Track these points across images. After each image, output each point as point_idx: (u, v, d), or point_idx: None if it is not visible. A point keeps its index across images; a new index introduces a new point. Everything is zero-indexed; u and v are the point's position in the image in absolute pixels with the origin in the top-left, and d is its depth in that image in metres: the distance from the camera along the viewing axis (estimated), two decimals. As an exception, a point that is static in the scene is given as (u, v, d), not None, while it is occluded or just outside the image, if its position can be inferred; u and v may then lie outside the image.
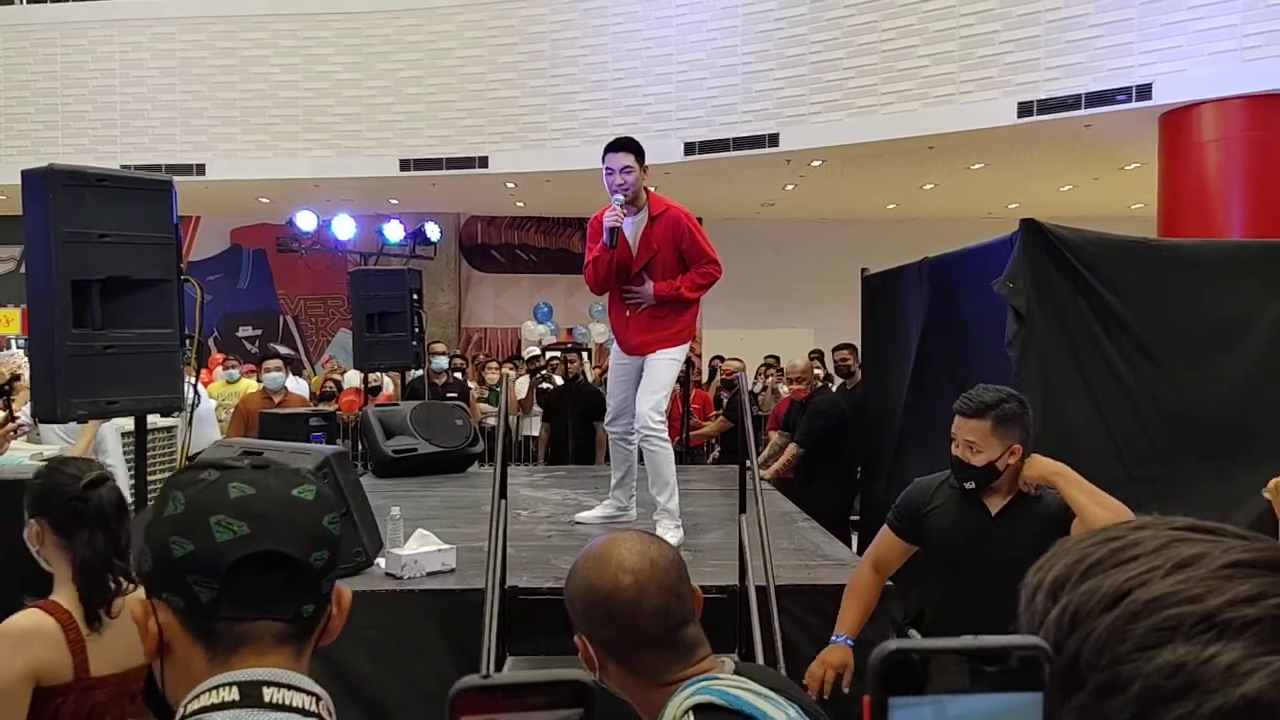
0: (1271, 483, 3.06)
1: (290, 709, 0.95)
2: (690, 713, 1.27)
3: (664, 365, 4.32)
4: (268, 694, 0.94)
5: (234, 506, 0.97)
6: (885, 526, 2.98)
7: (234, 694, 0.94)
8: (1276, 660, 0.48)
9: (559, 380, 9.94)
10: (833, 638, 2.85)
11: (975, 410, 2.71)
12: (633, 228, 4.28)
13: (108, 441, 5.29)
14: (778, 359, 11.05)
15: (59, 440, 5.17)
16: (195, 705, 0.94)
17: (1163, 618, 0.51)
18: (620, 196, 4.16)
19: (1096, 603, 0.53)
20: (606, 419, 4.71)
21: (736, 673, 1.38)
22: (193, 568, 0.95)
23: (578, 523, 4.68)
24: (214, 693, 0.94)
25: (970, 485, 2.76)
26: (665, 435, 4.31)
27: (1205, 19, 8.02)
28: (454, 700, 0.59)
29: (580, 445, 8.74)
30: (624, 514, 4.66)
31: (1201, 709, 0.48)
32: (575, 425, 8.72)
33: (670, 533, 4.13)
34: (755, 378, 10.77)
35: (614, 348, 4.63)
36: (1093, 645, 0.52)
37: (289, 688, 0.96)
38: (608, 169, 4.19)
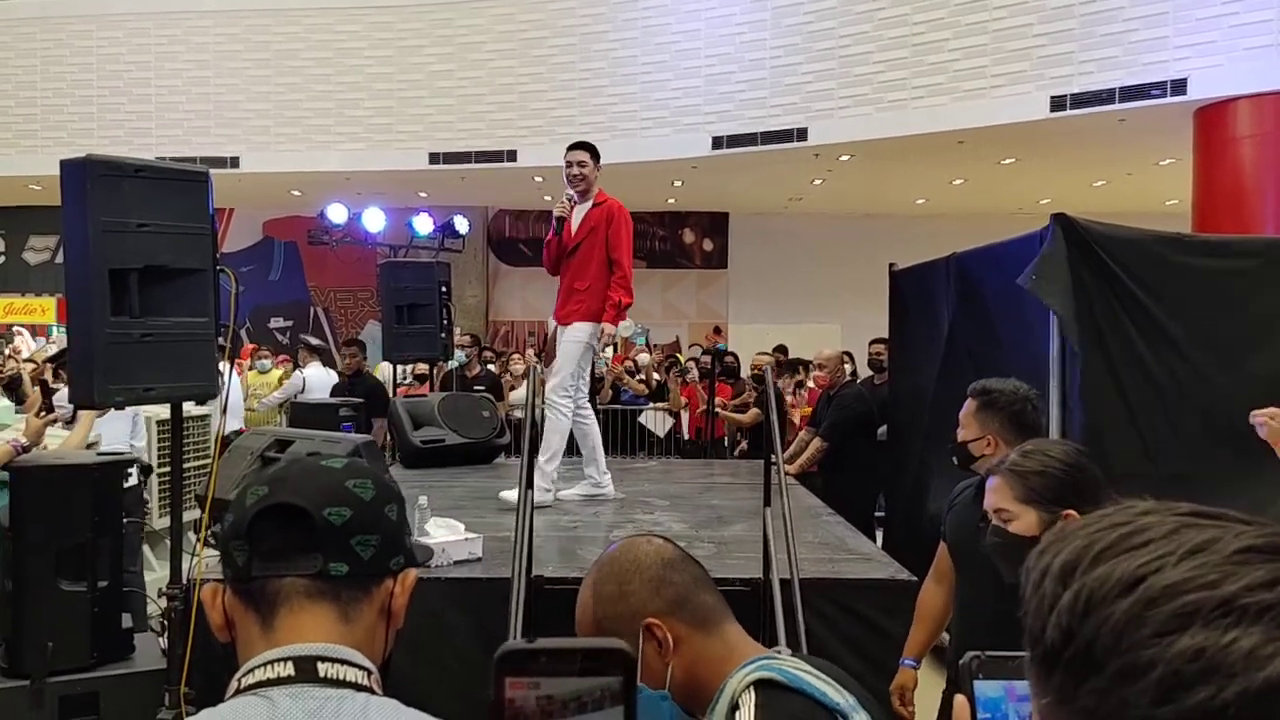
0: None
1: (344, 684, 0.98)
2: (751, 687, 1.29)
3: (567, 346, 4.88)
4: (322, 669, 0.98)
5: (265, 476, 1.06)
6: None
7: (289, 669, 0.97)
8: None
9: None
10: (901, 660, 2.98)
11: (971, 390, 2.80)
12: (578, 214, 4.92)
13: (143, 426, 5.38)
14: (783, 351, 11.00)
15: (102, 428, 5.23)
16: (250, 680, 0.98)
17: (1181, 604, 0.51)
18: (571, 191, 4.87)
19: (1111, 588, 0.54)
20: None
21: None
22: (232, 535, 1.03)
23: (559, 500, 4.98)
24: (269, 668, 0.98)
25: (954, 461, 2.85)
26: (563, 409, 4.89)
27: (1241, 13, 7.92)
28: (499, 662, 0.61)
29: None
30: (600, 490, 5.02)
31: (1224, 693, 0.48)
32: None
33: (540, 493, 4.66)
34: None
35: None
36: (1110, 630, 0.53)
37: (343, 663, 0.99)
38: (566, 163, 4.91)
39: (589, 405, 5.08)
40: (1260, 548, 0.53)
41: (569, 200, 4.88)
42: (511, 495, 4.83)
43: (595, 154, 4.95)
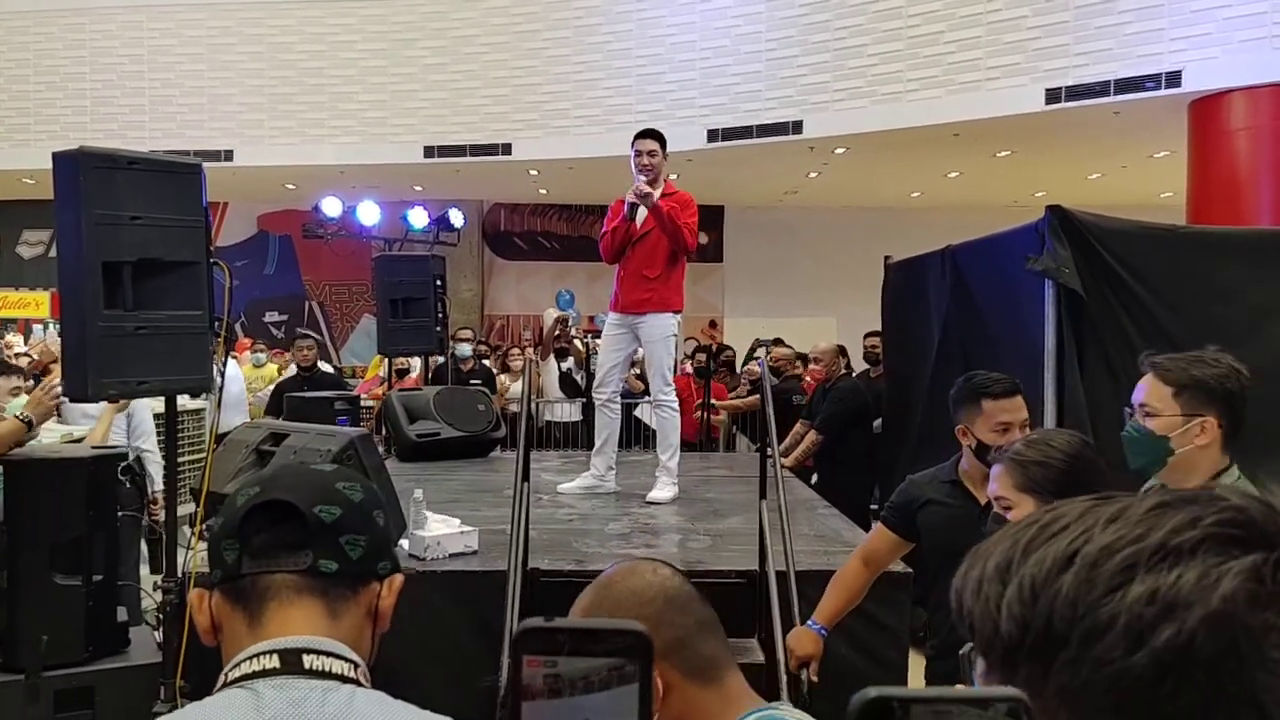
0: None
1: (330, 675, 0.99)
2: None
3: (660, 345, 4.93)
4: (308, 661, 0.99)
5: (256, 478, 1.09)
6: (879, 521, 2.99)
7: (275, 661, 0.98)
8: (1235, 563, 0.52)
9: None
10: (808, 622, 2.84)
11: (1014, 388, 2.73)
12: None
13: (147, 424, 5.36)
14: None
15: (88, 421, 5.22)
16: (236, 673, 0.98)
17: (1119, 559, 0.54)
18: (644, 176, 4.79)
19: (1050, 568, 0.56)
20: (595, 383, 5.18)
21: None
22: (223, 534, 1.05)
23: (560, 492, 5.05)
24: (255, 660, 0.98)
25: None
26: (675, 404, 5.02)
27: (1235, 6, 7.92)
28: (517, 640, 0.60)
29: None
30: (602, 484, 5.06)
31: (1188, 623, 0.51)
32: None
33: (667, 488, 4.86)
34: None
35: (608, 317, 5.08)
36: (1063, 602, 0.55)
37: (329, 655, 1.00)
38: (635, 152, 4.83)
39: (619, 399, 5.15)
40: (1168, 502, 0.57)
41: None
42: (567, 486, 5.10)
43: (664, 142, 4.93)
